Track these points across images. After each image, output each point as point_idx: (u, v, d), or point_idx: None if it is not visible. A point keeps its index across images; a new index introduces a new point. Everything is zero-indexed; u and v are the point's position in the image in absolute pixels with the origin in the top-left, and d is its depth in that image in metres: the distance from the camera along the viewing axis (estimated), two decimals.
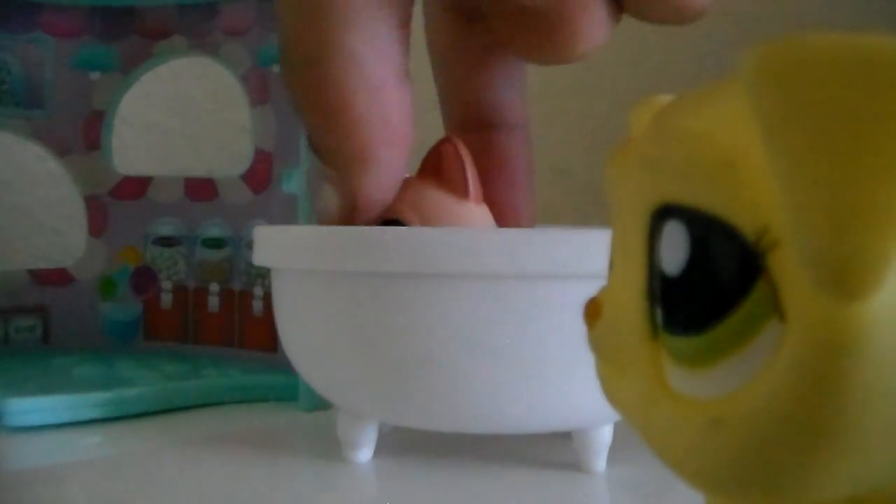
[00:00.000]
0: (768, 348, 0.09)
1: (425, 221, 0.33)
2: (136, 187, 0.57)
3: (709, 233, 0.10)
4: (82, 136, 0.57)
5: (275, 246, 0.35)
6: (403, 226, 0.34)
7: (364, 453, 0.35)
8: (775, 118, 0.08)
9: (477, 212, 0.35)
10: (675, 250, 0.10)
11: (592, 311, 0.12)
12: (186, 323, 0.55)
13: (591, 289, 0.14)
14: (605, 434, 0.33)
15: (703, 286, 0.10)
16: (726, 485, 0.10)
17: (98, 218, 0.57)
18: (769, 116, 0.08)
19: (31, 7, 0.57)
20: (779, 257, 0.09)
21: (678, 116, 0.10)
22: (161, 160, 0.74)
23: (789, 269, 0.09)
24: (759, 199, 0.09)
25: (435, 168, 0.35)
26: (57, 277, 0.57)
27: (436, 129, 0.38)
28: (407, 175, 0.35)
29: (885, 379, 0.09)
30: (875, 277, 0.08)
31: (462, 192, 0.34)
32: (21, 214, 0.71)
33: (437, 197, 0.34)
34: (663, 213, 0.10)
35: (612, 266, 0.12)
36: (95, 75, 0.58)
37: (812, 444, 0.09)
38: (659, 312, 0.11)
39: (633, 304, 0.11)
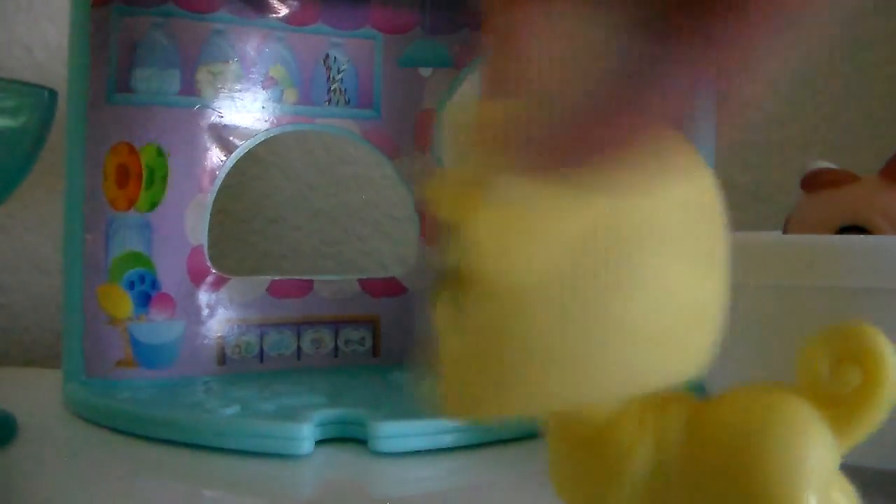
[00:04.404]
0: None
1: None
2: None
3: None
4: (413, 137, 0.54)
5: None
6: (869, 234, 0.27)
7: None
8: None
9: None
10: None
11: None
12: None
13: None
14: None
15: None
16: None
17: (432, 224, 0.53)
18: None
19: (359, 3, 0.54)
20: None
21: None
22: None
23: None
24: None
25: None
26: (387, 287, 0.53)
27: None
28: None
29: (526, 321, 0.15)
30: (504, 272, 0.15)
31: None
32: (352, 220, 0.70)
33: None
34: None
35: None
36: (426, 72, 0.54)
37: (493, 363, 0.15)
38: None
39: None
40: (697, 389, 0.18)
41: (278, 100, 0.52)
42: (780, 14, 0.12)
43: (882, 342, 0.16)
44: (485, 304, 0.16)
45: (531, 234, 0.15)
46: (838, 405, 0.16)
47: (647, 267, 0.16)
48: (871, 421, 0.16)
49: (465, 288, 0.16)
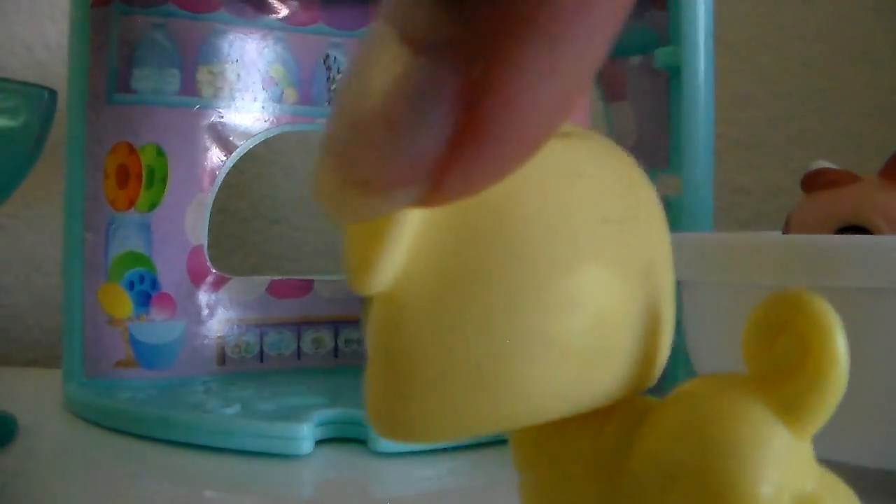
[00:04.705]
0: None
1: None
2: None
3: None
4: None
5: (689, 256, 0.29)
6: (869, 234, 0.27)
7: None
8: None
9: None
10: None
11: None
12: None
13: None
14: None
15: None
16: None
17: None
18: None
19: (359, 3, 0.54)
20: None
21: None
22: None
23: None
24: None
25: None
26: None
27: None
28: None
29: (419, 333, 0.14)
30: (365, 285, 0.14)
31: None
32: None
33: None
34: None
35: None
36: None
37: (397, 384, 0.14)
38: None
39: None
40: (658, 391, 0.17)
41: (278, 100, 0.52)
42: (551, 29, 0.11)
43: (823, 309, 0.14)
44: (372, 321, 0.15)
45: (385, 242, 0.14)
46: (787, 385, 0.14)
47: (527, 272, 0.14)
48: (826, 398, 0.14)
49: (366, 304, 0.15)
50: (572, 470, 0.16)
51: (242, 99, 0.51)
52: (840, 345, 0.14)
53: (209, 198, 0.49)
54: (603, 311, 0.15)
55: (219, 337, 0.50)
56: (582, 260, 0.15)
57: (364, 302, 0.15)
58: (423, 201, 0.12)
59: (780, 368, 0.14)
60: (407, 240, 0.14)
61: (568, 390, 0.15)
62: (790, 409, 0.14)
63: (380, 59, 0.12)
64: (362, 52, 0.12)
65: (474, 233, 0.14)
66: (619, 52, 0.46)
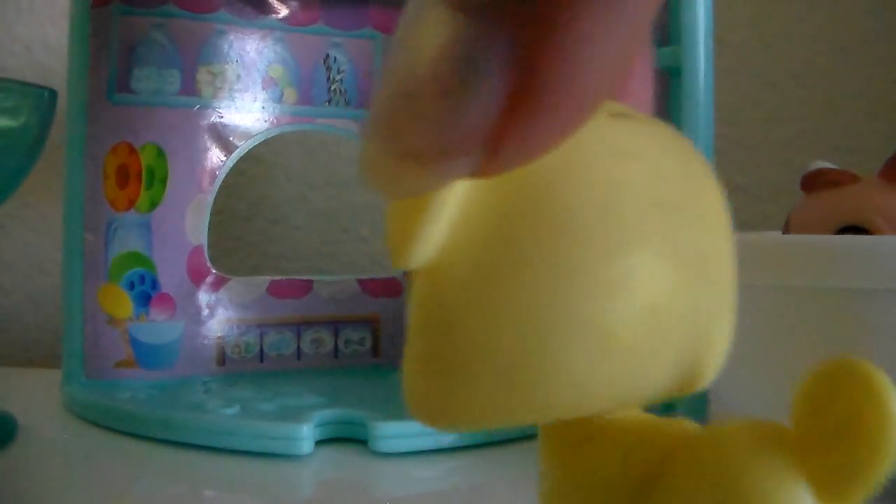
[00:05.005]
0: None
1: None
2: None
3: None
4: None
5: None
6: (869, 234, 0.27)
7: None
8: None
9: None
10: None
11: None
12: None
13: None
14: None
15: None
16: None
17: None
18: None
19: (359, 3, 0.54)
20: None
21: None
22: None
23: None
24: None
25: None
26: (387, 287, 0.53)
27: None
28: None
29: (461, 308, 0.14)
30: (407, 258, 0.13)
31: None
32: (352, 220, 0.70)
33: None
34: None
35: None
36: None
37: (429, 362, 0.14)
38: None
39: None
40: (698, 398, 0.16)
41: (278, 100, 0.52)
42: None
43: (880, 380, 0.13)
44: (413, 295, 0.14)
45: (427, 214, 0.13)
46: (833, 453, 0.13)
47: (572, 252, 0.13)
48: (872, 469, 0.13)
49: (409, 283, 0.15)
50: (593, 492, 0.16)
51: (242, 99, 0.51)
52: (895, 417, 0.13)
53: (209, 198, 0.49)
54: (651, 299, 0.14)
55: (219, 337, 0.50)
56: (630, 243, 0.14)
57: (406, 279, 0.15)
58: (479, 171, 0.12)
59: (828, 436, 0.13)
60: (450, 212, 0.14)
61: (608, 382, 0.14)
62: (830, 478, 0.13)
63: (425, 24, 0.11)
64: (406, 19, 0.12)
65: (520, 208, 0.14)
66: None
